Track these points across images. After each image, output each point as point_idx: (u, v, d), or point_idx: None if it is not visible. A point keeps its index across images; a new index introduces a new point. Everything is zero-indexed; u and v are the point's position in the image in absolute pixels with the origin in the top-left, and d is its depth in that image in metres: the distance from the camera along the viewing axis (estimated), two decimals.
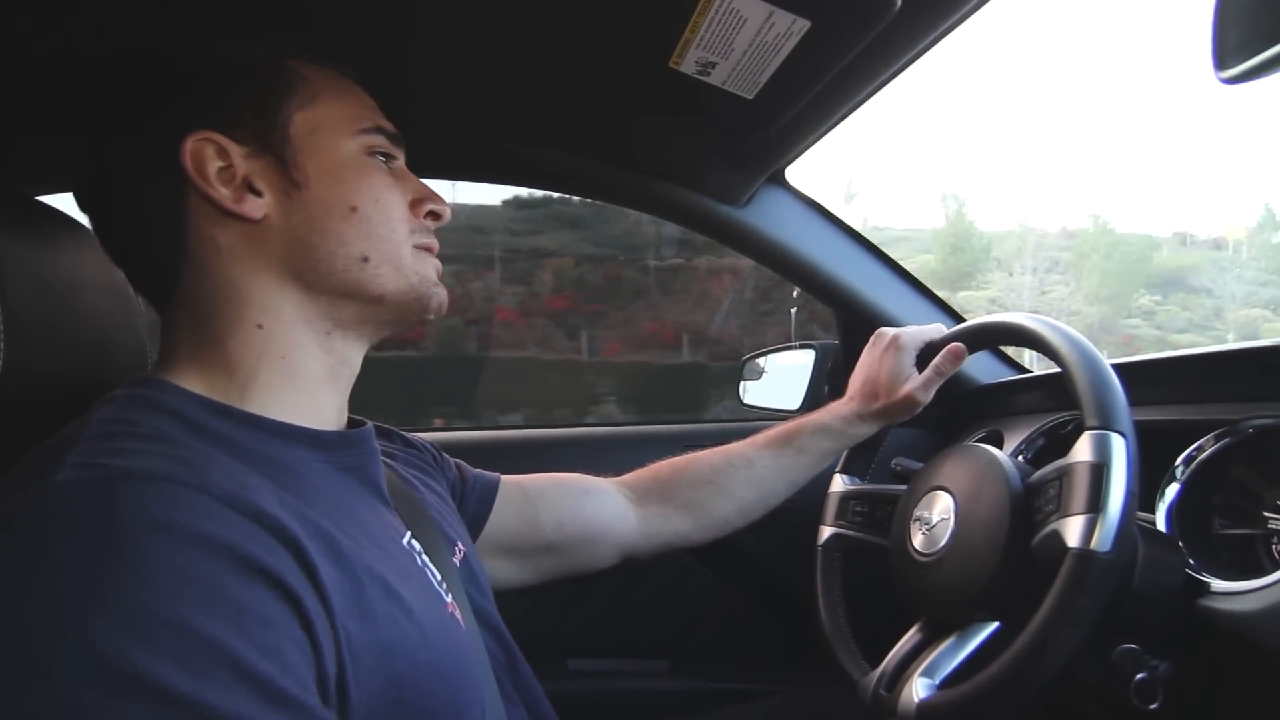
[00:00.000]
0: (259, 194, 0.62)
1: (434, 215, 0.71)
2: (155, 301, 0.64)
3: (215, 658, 0.42)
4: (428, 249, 0.69)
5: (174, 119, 0.61)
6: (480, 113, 1.04)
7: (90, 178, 0.64)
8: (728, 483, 0.99)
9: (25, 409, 0.63)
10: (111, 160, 0.62)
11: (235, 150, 0.61)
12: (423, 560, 0.64)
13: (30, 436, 0.66)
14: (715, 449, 1.02)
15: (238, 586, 0.44)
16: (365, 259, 0.64)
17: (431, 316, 0.69)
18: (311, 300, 0.63)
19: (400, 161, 0.70)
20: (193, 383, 0.59)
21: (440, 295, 0.69)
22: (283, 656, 0.44)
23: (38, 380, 0.63)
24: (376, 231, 0.64)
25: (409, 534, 0.64)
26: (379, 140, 0.67)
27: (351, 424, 0.68)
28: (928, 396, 0.97)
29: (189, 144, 0.60)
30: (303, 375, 0.63)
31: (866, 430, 1.01)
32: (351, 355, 0.67)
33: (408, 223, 0.67)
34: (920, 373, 0.98)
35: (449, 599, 0.64)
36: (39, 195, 0.76)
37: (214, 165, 0.61)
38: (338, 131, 0.65)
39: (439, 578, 0.64)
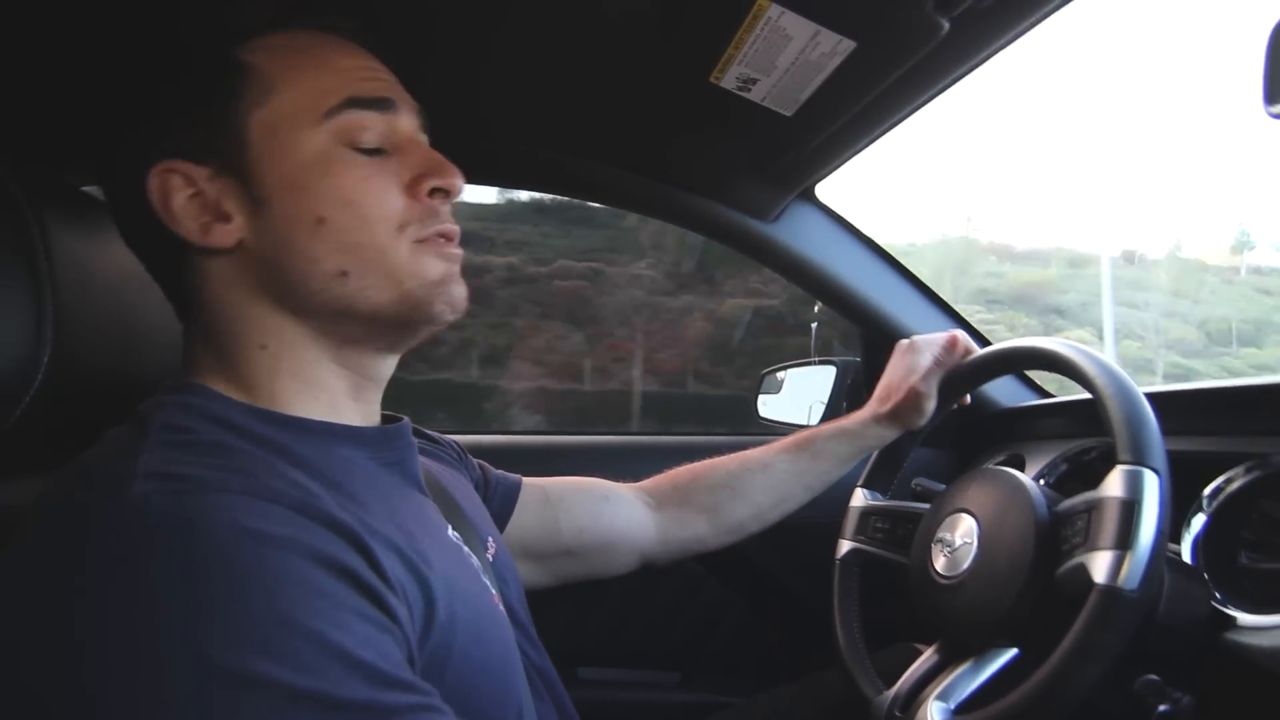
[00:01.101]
0: (229, 217, 0.57)
1: (442, 192, 0.61)
2: (178, 316, 0.63)
3: (324, 651, 0.43)
4: (439, 238, 0.61)
5: (136, 151, 0.57)
6: (518, 121, 1.05)
7: (110, 209, 0.62)
8: (744, 486, 0.99)
9: (70, 399, 0.64)
10: (110, 196, 0.61)
11: (199, 174, 0.56)
12: (466, 552, 0.64)
13: (73, 427, 0.68)
14: (732, 455, 1.02)
15: (329, 583, 0.45)
16: (344, 273, 0.57)
17: (450, 319, 0.61)
18: (306, 322, 0.59)
19: (402, 125, 0.61)
20: (224, 389, 0.58)
21: (449, 296, 0.61)
22: (380, 645, 0.46)
23: (83, 371, 0.64)
24: (351, 240, 0.57)
25: (449, 527, 0.65)
26: (356, 119, 0.58)
27: (386, 419, 0.67)
28: (928, 388, 0.97)
29: (152, 178, 0.56)
30: (322, 389, 0.60)
31: (881, 433, 1.00)
32: (372, 368, 0.63)
33: (400, 215, 0.59)
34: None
35: (494, 591, 0.65)
36: (86, 186, 0.77)
37: (181, 196, 0.56)
38: (299, 125, 0.57)
39: (480, 569, 0.65)
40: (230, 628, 0.41)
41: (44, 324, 0.60)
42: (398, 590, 0.50)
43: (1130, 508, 0.67)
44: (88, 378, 0.66)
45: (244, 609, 0.42)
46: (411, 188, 0.60)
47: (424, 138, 0.64)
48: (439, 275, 0.60)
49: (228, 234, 0.57)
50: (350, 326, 0.60)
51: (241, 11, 0.59)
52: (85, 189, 0.74)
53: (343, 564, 0.46)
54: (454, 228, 0.62)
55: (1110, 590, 0.64)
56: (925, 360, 0.99)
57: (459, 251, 0.62)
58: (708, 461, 1.02)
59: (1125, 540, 0.66)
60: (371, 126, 0.59)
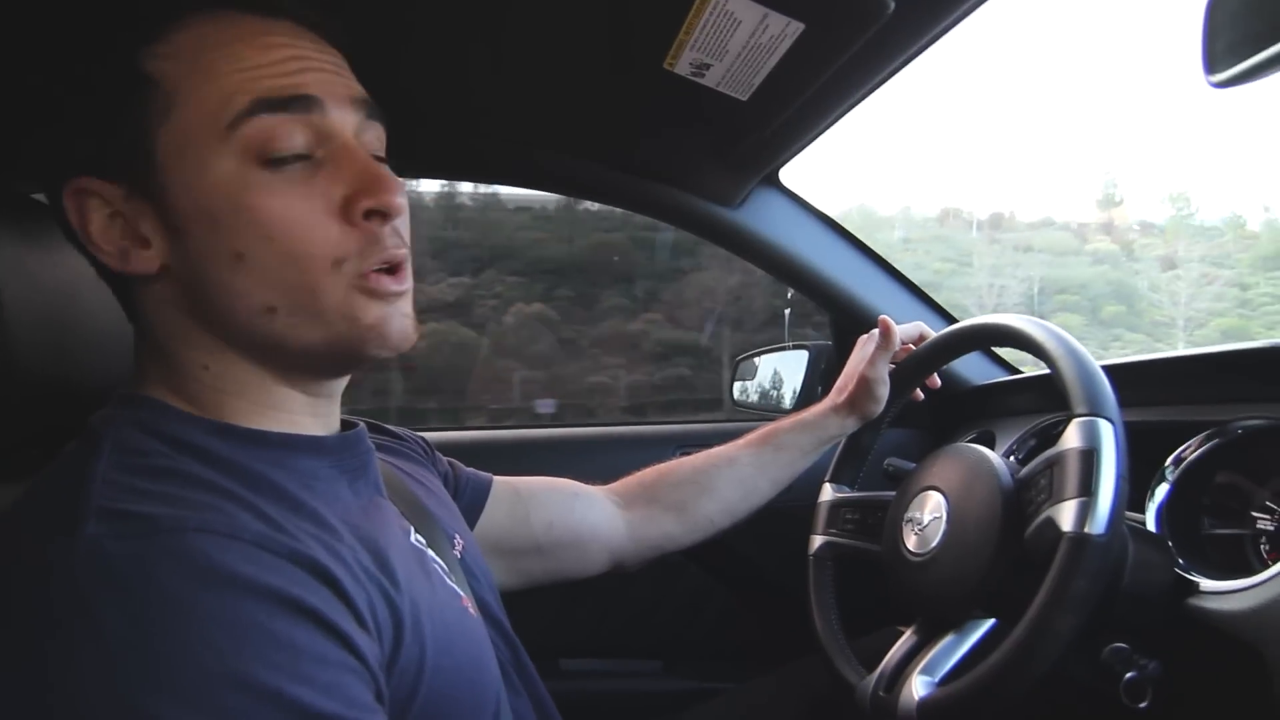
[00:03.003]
0: (147, 242, 0.52)
1: (378, 215, 0.53)
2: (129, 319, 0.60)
3: (280, 708, 0.42)
4: (381, 275, 0.54)
5: (50, 165, 0.53)
6: (475, 113, 1.04)
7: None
8: (711, 482, 0.99)
9: (19, 408, 0.63)
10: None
11: (114, 194, 0.52)
12: (430, 556, 0.63)
13: (24, 435, 0.67)
14: (699, 453, 1.03)
15: (290, 629, 0.44)
16: (271, 309, 0.52)
17: (389, 355, 0.56)
18: (243, 349, 0.55)
19: (336, 128, 0.53)
20: (175, 403, 0.55)
21: (385, 338, 0.54)
22: (344, 690, 0.45)
23: (32, 380, 0.63)
24: (276, 278, 0.51)
25: (412, 530, 0.63)
26: (267, 125, 0.50)
27: (344, 425, 0.65)
28: (875, 373, 0.98)
29: (67, 196, 0.52)
30: (273, 407, 0.57)
31: (840, 422, 1.01)
32: (324, 388, 0.59)
33: (334, 248, 0.52)
34: (894, 366, 1.00)
35: (463, 594, 0.64)
36: (37, 194, 0.76)
37: (99, 217, 0.52)
38: (204, 142, 0.50)
39: (446, 569, 0.64)
40: (184, 689, 0.40)
41: None
42: (366, 621, 0.48)
43: (1090, 456, 0.68)
44: (38, 384, 0.65)
45: (199, 669, 0.41)
46: (344, 210, 0.52)
47: (376, 131, 0.57)
48: (372, 319, 0.54)
49: (148, 261, 0.53)
50: (286, 358, 0.55)
51: (142, 10, 0.53)
52: (34, 196, 0.73)
53: (306, 604, 0.45)
54: (398, 253, 0.54)
55: (1079, 537, 0.65)
56: (872, 347, 1.00)
57: (402, 288, 0.55)
58: (674, 461, 1.03)
59: (1088, 487, 0.66)
60: (289, 133, 0.51)
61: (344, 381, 0.62)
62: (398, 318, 0.55)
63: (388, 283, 0.54)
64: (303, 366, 0.57)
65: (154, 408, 0.54)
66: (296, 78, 0.52)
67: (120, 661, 0.40)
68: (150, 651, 0.41)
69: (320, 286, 0.52)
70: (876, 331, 1.01)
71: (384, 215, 0.53)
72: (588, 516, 0.94)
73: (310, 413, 0.59)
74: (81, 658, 0.41)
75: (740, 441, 1.02)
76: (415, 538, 0.63)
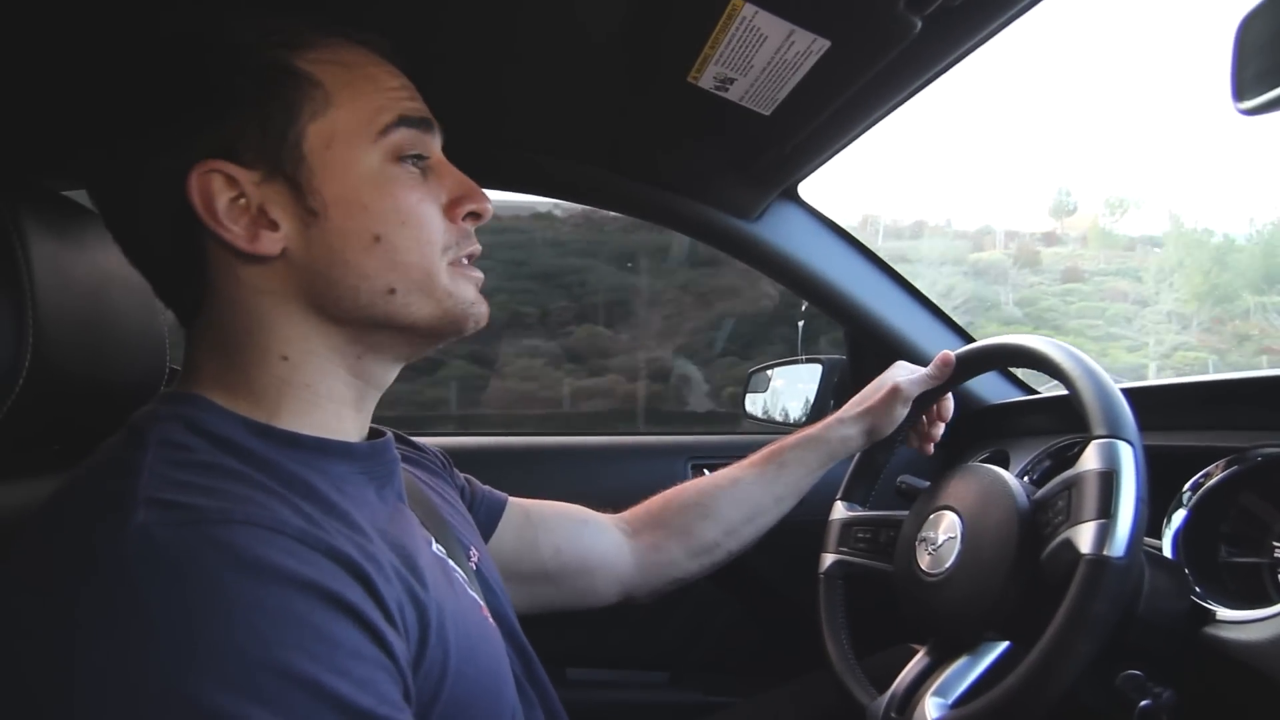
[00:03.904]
0: (275, 225, 0.56)
1: (474, 215, 0.63)
2: (180, 320, 0.61)
3: (318, 699, 0.43)
4: (468, 262, 0.64)
5: (177, 148, 0.55)
6: (500, 122, 1.05)
7: (101, 208, 0.59)
8: (713, 504, 0.98)
9: (51, 403, 0.64)
10: (115, 193, 0.58)
11: (246, 177, 0.55)
12: (451, 565, 0.64)
13: (55, 431, 0.67)
14: (705, 476, 1.02)
15: (329, 622, 0.45)
16: (392, 290, 0.59)
17: (473, 331, 0.64)
18: (338, 330, 0.59)
19: (435, 147, 0.63)
20: (223, 400, 0.56)
21: (478, 313, 0.63)
22: (377, 686, 0.46)
23: (63, 375, 0.64)
24: (403, 260, 0.59)
25: (433, 540, 0.64)
26: (405, 137, 0.59)
27: (371, 433, 0.66)
28: (914, 390, 0.97)
29: (194, 178, 0.54)
30: (329, 399, 0.60)
31: (845, 433, 0.98)
32: (382, 377, 0.64)
33: (443, 238, 0.61)
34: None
35: (482, 603, 0.65)
36: (66, 190, 0.76)
37: (224, 198, 0.55)
38: (356, 141, 0.58)
39: (465, 579, 0.65)
40: (226, 674, 0.42)
41: (24, 329, 0.60)
42: (396, 619, 0.50)
43: (1109, 478, 0.67)
44: (68, 381, 0.65)
45: (240, 654, 0.42)
46: (449, 210, 0.62)
47: None
48: (473, 297, 0.63)
49: (275, 241, 0.56)
50: (381, 336, 0.61)
51: (292, 19, 0.59)
52: (65, 193, 0.74)
53: (344, 599, 0.46)
54: (478, 248, 0.65)
55: (1098, 560, 0.64)
56: (906, 370, 0.99)
57: (481, 274, 0.65)
58: (679, 485, 1.02)
59: (1107, 509, 0.66)
60: (417, 145, 0.60)
61: (395, 374, 0.66)
62: (482, 300, 0.65)
63: (473, 269, 0.64)
64: (393, 342, 0.62)
65: (200, 405, 0.55)
66: (419, 103, 0.62)
67: (164, 644, 0.42)
68: (194, 635, 0.42)
69: (436, 268, 0.60)
70: (910, 365, 1.00)
71: (477, 217, 0.63)
72: (596, 544, 0.94)
73: (356, 408, 0.62)
74: (126, 639, 0.42)
75: (745, 461, 1.01)
76: (436, 547, 0.64)
